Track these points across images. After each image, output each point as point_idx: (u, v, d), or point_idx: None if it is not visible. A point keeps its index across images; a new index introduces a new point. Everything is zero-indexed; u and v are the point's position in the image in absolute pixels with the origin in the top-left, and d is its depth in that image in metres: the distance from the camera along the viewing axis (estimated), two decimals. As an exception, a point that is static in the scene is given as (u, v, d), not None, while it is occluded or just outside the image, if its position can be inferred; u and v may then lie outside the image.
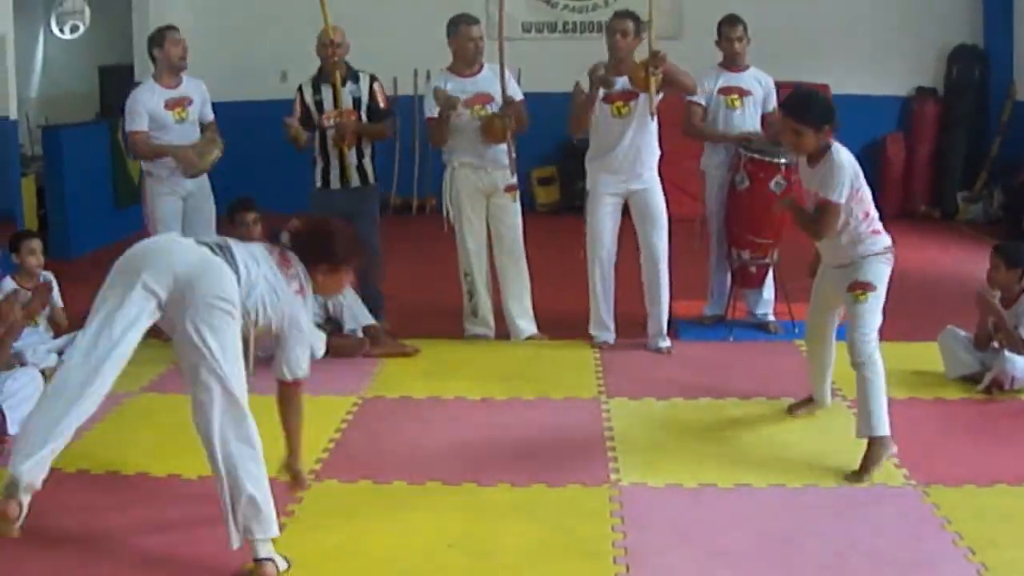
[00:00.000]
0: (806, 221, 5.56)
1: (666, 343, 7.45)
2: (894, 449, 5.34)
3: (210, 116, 7.83)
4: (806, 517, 4.82)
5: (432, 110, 7.42)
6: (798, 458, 5.48)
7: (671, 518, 4.80)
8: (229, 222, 7.33)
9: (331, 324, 7.30)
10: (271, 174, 11.28)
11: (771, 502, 4.97)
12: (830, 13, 13.11)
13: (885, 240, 5.56)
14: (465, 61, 7.47)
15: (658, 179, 7.39)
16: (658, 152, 7.38)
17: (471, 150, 7.48)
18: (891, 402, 6.00)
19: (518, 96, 7.46)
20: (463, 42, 7.42)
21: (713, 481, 5.18)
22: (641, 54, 7.02)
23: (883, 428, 5.34)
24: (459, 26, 7.44)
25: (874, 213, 5.52)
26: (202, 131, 7.73)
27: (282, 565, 4.29)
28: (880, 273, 5.52)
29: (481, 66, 7.52)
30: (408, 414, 6.21)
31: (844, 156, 5.40)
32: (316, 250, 4.59)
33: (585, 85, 7.18)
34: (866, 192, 5.50)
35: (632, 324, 7.61)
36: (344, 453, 5.56)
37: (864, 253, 5.49)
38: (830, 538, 4.59)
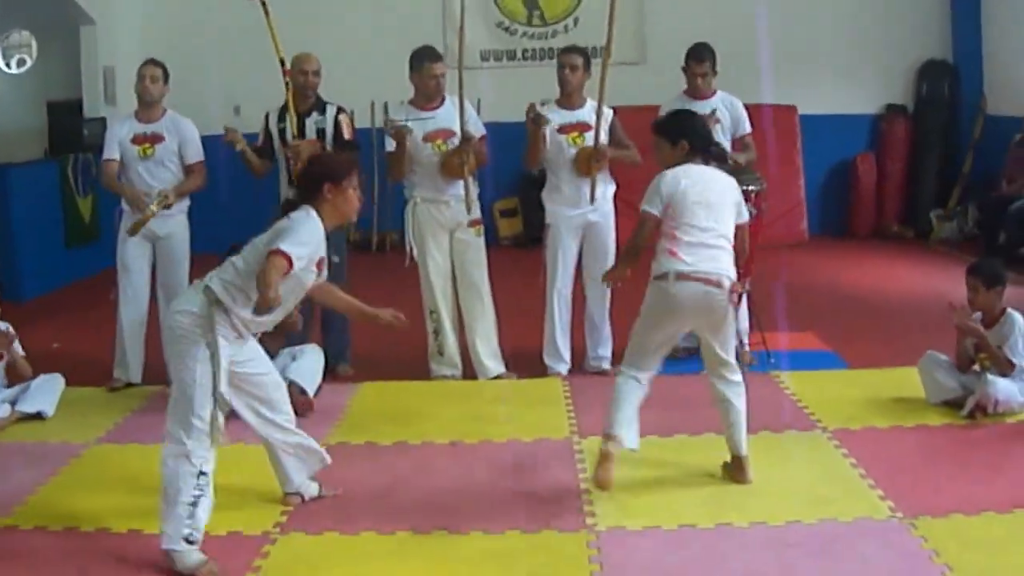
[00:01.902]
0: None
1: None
2: None
3: (194, 158, 7.73)
4: (791, 555, 4.81)
5: (391, 145, 7.46)
6: (779, 494, 5.49)
7: (651, 562, 4.80)
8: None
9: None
10: (225, 210, 11.27)
11: (754, 541, 4.97)
12: (796, 33, 13.23)
13: (666, 265, 5.54)
14: (426, 96, 7.55)
15: (613, 211, 7.59)
16: (614, 184, 7.59)
17: (433, 185, 7.54)
18: (873, 431, 6.08)
19: (479, 132, 7.54)
20: (425, 79, 7.51)
21: (693, 522, 5.17)
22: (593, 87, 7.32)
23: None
24: (422, 62, 7.51)
25: (685, 236, 5.53)
26: (186, 173, 7.69)
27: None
28: (647, 296, 5.64)
29: (443, 99, 7.58)
30: (374, 461, 6.18)
31: (668, 173, 5.67)
32: (314, 177, 5.15)
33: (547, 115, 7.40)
34: (683, 212, 5.55)
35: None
36: (310, 504, 5.52)
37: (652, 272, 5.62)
38: (814, 576, 4.60)
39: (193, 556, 4.77)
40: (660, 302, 5.56)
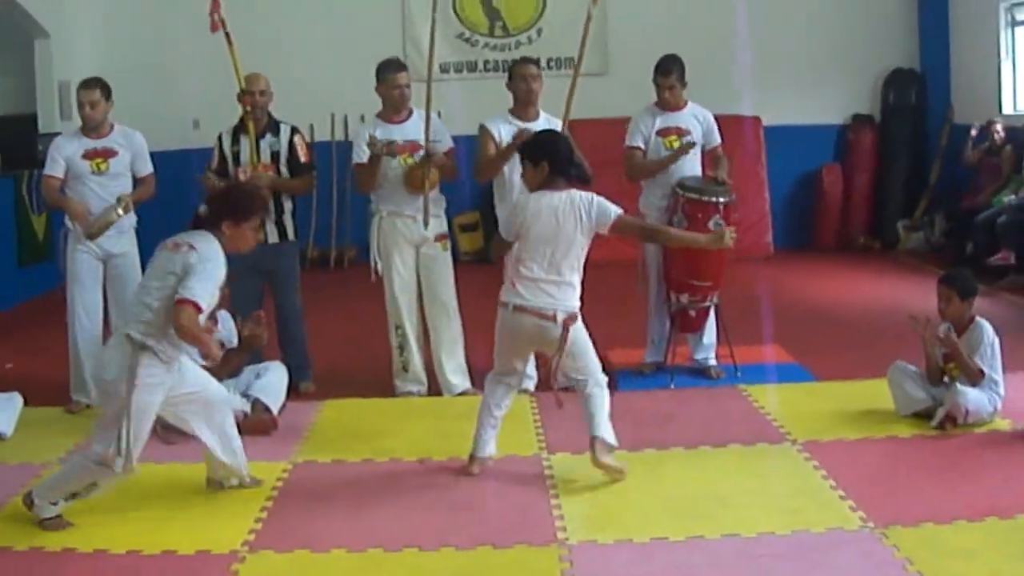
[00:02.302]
0: None
1: None
2: None
3: (145, 170, 7.75)
4: (763, 567, 4.91)
5: (361, 156, 7.54)
6: (750, 506, 5.58)
7: (623, 575, 4.87)
8: None
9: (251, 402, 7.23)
10: (177, 229, 11.30)
11: (725, 553, 5.06)
12: (761, 44, 13.30)
13: (506, 295, 6.06)
14: (393, 108, 7.66)
15: None
16: None
17: (399, 199, 7.62)
18: (842, 443, 6.18)
19: (447, 145, 7.64)
20: (389, 89, 7.63)
21: (664, 535, 5.25)
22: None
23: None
24: (387, 73, 7.64)
25: (524, 271, 5.97)
26: (135, 185, 7.69)
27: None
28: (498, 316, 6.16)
29: (410, 112, 7.68)
30: (342, 478, 6.23)
31: (521, 202, 6.09)
32: (217, 212, 5.55)
33: (495, 131, 7.51)
34: (526, 246, 5.96)
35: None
36: (279, 522, 5.56)
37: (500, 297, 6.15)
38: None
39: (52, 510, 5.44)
40: (504, 325, 6.11)
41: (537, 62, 7.84)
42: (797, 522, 5.32)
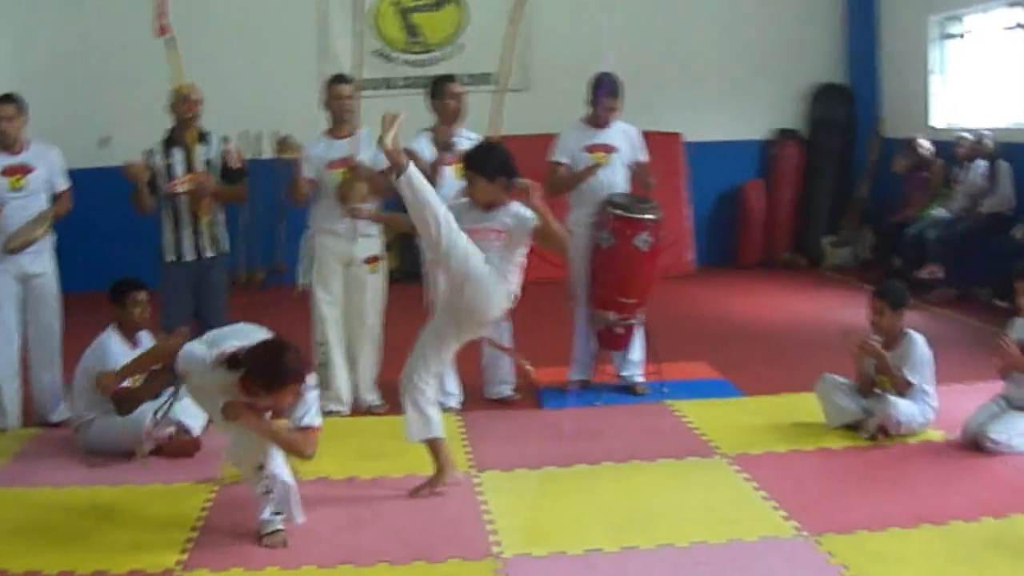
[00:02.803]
0: None
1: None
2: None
3: (63, 185, 7.78)
4: (698, 573, 5.09)
5: (307, 171, 7.78)
6: (683, 517, 5.77)
7: (560, 585, 5.02)
8: (116, 304, 7.20)
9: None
10: (95, 246, 11.30)
11: (660, 562, 5.24)
12: (681, 59, 13.64)
13: None
14: (338, 122, 7.85)
15: None
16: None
17: (333, 216, 7.76)
18: (773, 455, 6.37)
19: (375, 162, 7.73)
20: (332, 100, 7.84)
21: (599, 546, 5.42)
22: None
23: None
24: (330, 85, 7.88)
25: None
26: (52, 200, 7.70)
27: None
28: None
29: (356, 128, 7.88)
30: (270, 498, 6.29)
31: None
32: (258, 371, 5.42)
33: (419, 148, 7.68)
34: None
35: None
36: (210, 541, 5.63)
37: None
38: (726, 594, 4.88)
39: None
40: None
41: (458, 79, 8.06)
42: (731, 532, 5.52)
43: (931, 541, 5.33)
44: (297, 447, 5.69)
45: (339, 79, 7.97)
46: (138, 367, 6.89)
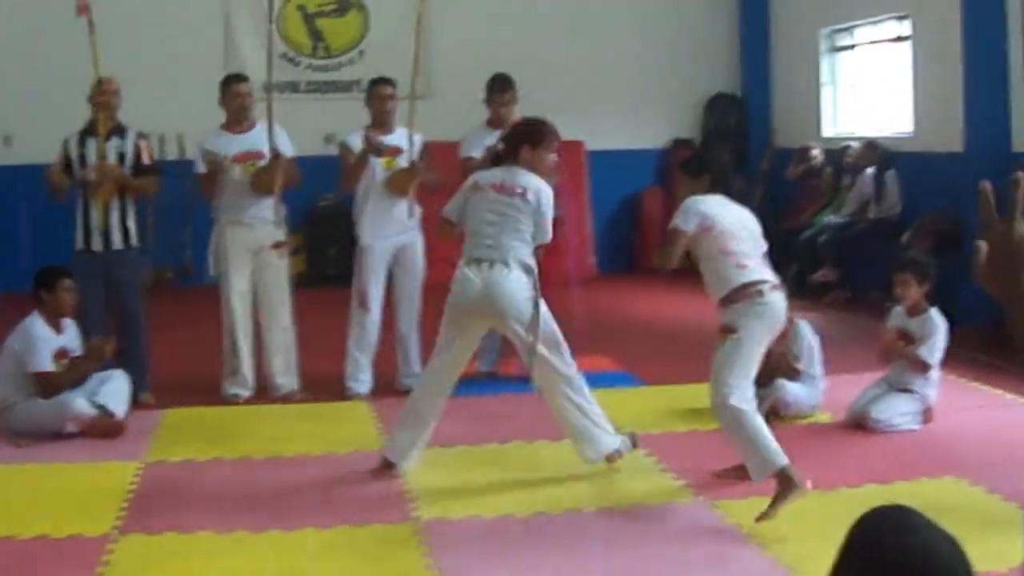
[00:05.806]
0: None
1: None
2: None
3: None
4: (609, 533, 5.71)
5: (199, 166, 8.27)
6: (590, 486, 6.42)
7: (478, 542, 5.63)
8: (44, 291, 7.53)
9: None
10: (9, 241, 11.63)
11: (571, 524, 5.85)
12: (582, 69, 14.25)
13: (750, 276, 6.79)
14: (235, 118, 8.34)
15: (421, 235, 8.46)
16: (419, 208, 8.44)
17: (239, 206, 8.28)
18: (673, 435, 6.97)
19: (290, 152, 8.26)
20: (231, 99, 8.35)
21: (511, 512, 6.00)
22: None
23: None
24: (228, 85, 8.40)
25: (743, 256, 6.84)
26: None
27: None
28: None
29: (252, 123, 8.38)
30: (196, 474, 6.80)
31: (690, 203, 6.94)
32: None
33: (353, 144, 8.31)
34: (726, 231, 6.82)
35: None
36: (142, 511, 6.09)
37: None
38: (634, 548, 5.51)
39: None
40: (769, 309, 6.72)
41: (392, 81, 8.57)
42: (632, 497, 6.16)
43: (822, 504, 5.89)
44: None
45: (235, 78, 8.52)
46: (75, 372, 7.49)
